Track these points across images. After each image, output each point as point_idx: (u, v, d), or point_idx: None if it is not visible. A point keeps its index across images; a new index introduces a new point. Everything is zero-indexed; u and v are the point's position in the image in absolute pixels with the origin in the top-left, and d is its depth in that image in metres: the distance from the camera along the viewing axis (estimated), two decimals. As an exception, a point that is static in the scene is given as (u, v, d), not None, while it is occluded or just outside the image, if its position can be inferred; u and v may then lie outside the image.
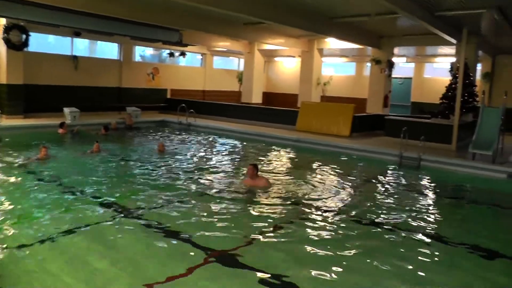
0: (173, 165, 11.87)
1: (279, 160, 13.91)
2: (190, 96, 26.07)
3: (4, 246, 5.94)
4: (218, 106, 22.92)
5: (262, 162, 12.91)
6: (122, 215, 7.47)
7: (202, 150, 14.70)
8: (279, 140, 16.77)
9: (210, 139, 17.27)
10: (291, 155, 14.92)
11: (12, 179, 9.51)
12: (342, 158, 14.40)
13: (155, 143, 14.94)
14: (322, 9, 15.48)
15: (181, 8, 16.29)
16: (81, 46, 22.09)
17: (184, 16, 17.10)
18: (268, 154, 14.77)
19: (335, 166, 12.97)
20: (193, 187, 9.67)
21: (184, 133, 18.40)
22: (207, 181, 10.25)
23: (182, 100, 22.52)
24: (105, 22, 17.47)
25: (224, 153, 14.54)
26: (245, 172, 10.69)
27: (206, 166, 12.13)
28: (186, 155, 13.60)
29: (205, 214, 7.69)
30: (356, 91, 29.87)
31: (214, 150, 15.06)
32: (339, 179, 11.38)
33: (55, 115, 18.20)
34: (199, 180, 10.35)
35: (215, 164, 12.56)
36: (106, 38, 21.55)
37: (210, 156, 13.73)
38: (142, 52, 25.98)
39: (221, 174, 11.20)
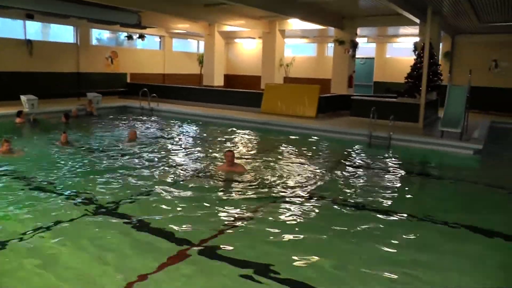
0: (145, 154, 11.24)
1: (249, 144, 13.63)
2: (150, 80, 25.33)
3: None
4: (180, 90, 22.42)
5: (231, 147, 12.62)
6: (95, 209, 7.04)
7: (170, 137, 14.17)
8: (246, 123, 16.50)
9: (176, 124, 16.83)
10: (259, 139, 14.63)
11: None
12: (312, 140, 14.20)
13: (123, 130, 14.55)
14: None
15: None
16: (32, 30, 20.86)
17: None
18: (236, 138, 14.46)
19: (306, 148, 12.82)
20: (168, 176, 9.26)
21: (146, 118, 17.90)
22: (181, 169, 9.82)
23: (143, 85, 21.85)
24: (60, 4, 16.69)
25: (192, 139, 14.17)
26: (216, 157, 10.43)
27: (177, 153, 11.68)
28: (155, 142, 13.02)
29: (180, 204, 7.38)
30: (319, 72, 29.77)
31: (182, 136, 14.58)
32: (310, 161, 11.22)
33: (10, 104, 17.37)
34: (172, 168, 9.95)
35: (185, 150, 12.12)
36: (61, 21, 20.59)
37: (179, 143, 13.24)
38: (99, 35, 25.09)
39: (194, 161, 10.78)
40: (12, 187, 8.09)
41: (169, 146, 12.58)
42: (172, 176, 9.28)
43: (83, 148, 11.81)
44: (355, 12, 19.69)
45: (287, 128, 15.63)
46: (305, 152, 12.33)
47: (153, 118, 17.99)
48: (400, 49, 29.53)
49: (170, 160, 10.77)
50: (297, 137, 14.62)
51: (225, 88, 23.62)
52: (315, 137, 14.51)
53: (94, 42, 23.97)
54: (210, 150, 12.15)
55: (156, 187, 8.32)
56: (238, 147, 12.77)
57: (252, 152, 12.11)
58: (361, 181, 9.49)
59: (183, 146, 12.79)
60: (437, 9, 16.01)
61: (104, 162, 10.31)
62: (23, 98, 17.13)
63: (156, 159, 10.79)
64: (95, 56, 23.16)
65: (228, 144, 13.28)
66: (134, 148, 11.86)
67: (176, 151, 11.96)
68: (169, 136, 14.32)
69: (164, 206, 7.25)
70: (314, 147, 13.30)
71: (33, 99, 17.13)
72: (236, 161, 9.77)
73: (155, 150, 11.81)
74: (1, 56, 18.95)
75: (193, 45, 31.66)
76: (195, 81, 28.61)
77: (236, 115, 17.47)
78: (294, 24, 22.73)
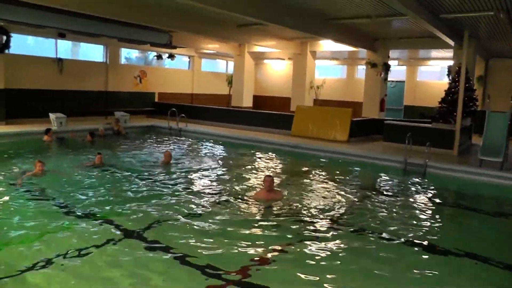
0: (178, 177, 10.92)
1: (279, 168, 13.23)
2: (178, 100, 25.32)
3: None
4: (209, 110, 22.20)
5: (263, 171, 12.28)
6: (124, 235, 6.75)
7: (200, 159, 13.75)
8: (276, 146, 16.13)
9: (205, 145, 16.53)
10: (290, 162, 14.25)
11: (1, 197, 8.54)
12: (344, 165, 13.79)
13: (154, 151, 14.34)
14: (319, 10, 14.87)
15: (172, 8, 15.65)
16: (62, 49, 20.98)
17: (175, 17, 16.29)
18: (267, 161, 14.10)
19: (339, 174, 12.46)
20: (203, 201, 8.87)
21: (175, 139, 17.66)
22: (216, 195, 9.41)
23: (171, 104, 21.80)
24: (92, 23, 16.58)
25: (223, 162, 13.63)
26: (252, 184, 10.13)
27: (210, 177, 11.31)
28: (187, 164, 12.62)
29: (216, 233, 7.03)
30: (348, 94, 29.55)
31: (213, 158, 14.04)
32: (344, 187, 10.81)
33: (39, 121, 17.40)
34: (207, 193, 9.53)
35: (219, 174, 11.73)
36: (92, 39, 20.66)
37: (212, 166, 12.76)
38: (128, 54, 25.16)
39: (230, 186, 10.33)
40: (41, 208, 7.85)
41: (201, 169, 12.14)
42: (207, 201, 8.90)
43: (117, 170, 11.38)
44: (388, 34, 19.34)
45: (318, 152, 15.18)
46: (338, 178, 11.95)
47: (181, 139, 17.74)
48: (430, 72, 29.19)
49: (204, 184, 10.42)
50: (329, 161, 14.26)
51: (254, 110, 23.30)
52: (348, 162, 14.10)
53: (123, 61, 23.98)
54: (245, 175, 11.74)
55: (193, 214, 8.00)
56: (270, 171, 12.39)
57: (283, 177, 11.72)
58: (400, 211, 9.05)
59: (215, 169, 12.33)
60: (474, 33, 15.63)
61: (140, 185, 9.92)
62: (52, 116, 17.08)
63: (190, 182, 10.49)
64: (123, 75, 23.18)
65: (260, 167, 12.96)
66: (169, 171, 11.50)
67: (209, 175, 11.55)
68: (200, 158, 13.93)
69: (196, 234, 6.89)
70: (347, 173, 12.89)
71: (62, 117, 17.07)
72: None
73: (188, 173, 11.42)
74: (32, 73, 19.07)
75: (221, 65, 31.63)
76: (224, 101, 28.47)
77: (266, 137, 17.13)
78: (326, 45, 22.47)
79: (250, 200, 8.93)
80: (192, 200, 8.89)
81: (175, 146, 16.03)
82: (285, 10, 14.40)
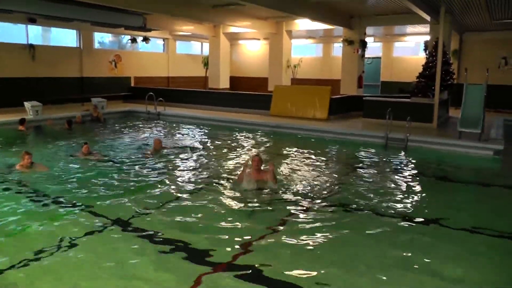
0: (168, 164, 10.62)
1: (262, 148, 13.15)
2: (154, 84, 25.07)
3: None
4: (186, 93, 22.01)
5: (247, 152, 12.23)
6: (112, 224, 6.65)
7: (186, 143, 13.55)
8: (257, 126, 16.11)
9: (185, 129, 16.38)
10: (273, 142, 14.15)
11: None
12: (326, 143, 13.85)
13: (141, 138, 14.21)
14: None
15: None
16: (31, 34, 20.35)
17: (146, -1, 16.05)
18: (249, 142, 14.04)
19: (321, 152, 12.48)
20: (192, 188, 8.73)
21: (155, 123, 17.50)
22: (205, 180, 9.27)
23: (147, 88, 21.59)
24: (64, 6, 16.27)
25: (210, 145, 13.41)
26: (240, 165, 10.09)
27: (200, 162, 11.09)
28: (175, 150, 12.16)
29: (205, 219, 6.96)
30: (325, 72, 29.58)
31: (200, 142, 13.85)
32: (328, 165, 10.99)
33: (14, 110, 17.03)
34: (199, 179, 9.33)
35: (207, 158, 11.59)
36: (64, 24, 20.18)
37: (199, 150, 12.57)
38: (101, 38, 24.70)
39: (218, 169, 10.23)
40: (29, 201, 7.65)
41: (188, 154, 11.88)
42: (197, 186, 8.79)
43: (107, 160, 10.93)
44: (364, 11, 19.32)
45: (299, 131, 15.23)
46: (321, 156, 11.97)
47: (160, 123, 17.61)
48: (405, 48, 29.25)
49: (193, 169, 10.27)
50: (310, 140, 14.31)
51: (232, 91, 23.12)
52: (329, 140, 14.18)
53: (96, 45, 23.52)
54: (232, 157, 11.67)
55: (181, 198, 7.97)
56: (254, 152, 12.34)
57: (267, 157, 11.68)
58: (384, 185, 9.10)
59: (202, 153, 12.13)
60: (449, 8, 15.67)
61: (129, 174, 9.60)
62: (27, 104, 16.68)
63: (178, 168, 10.31)
64: (98, 60, 22.78)
65: (244, 148, 12.92)
66: (159, 158, 11.20)
67: (197, 159, 11.38)
68: (184, 142, 13.74)
69: (186, 221, 6.82)
70: (330, 151, 13.03)
71: (38, 105, 16.68)
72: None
73: (177, 159, 11.17)
74: (4, 61, 18.58)
75: (197, 47, 31.29)
76: (200, 83, 28.27)
77: (246, 118, 17.08)
78: (301, 24, 22.37)
79: (238, 180, 8.80)
80: (182, 186, 8.76)
81: (155, 131, 15.88)
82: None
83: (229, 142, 13.95)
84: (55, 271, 5.18)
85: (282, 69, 23.64)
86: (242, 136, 14.95)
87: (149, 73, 26.05)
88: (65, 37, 22.33)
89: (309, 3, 16.28)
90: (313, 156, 11.79)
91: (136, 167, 10.17)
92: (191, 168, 10.39)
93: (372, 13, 19.68)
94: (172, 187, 8.69)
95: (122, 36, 25.23)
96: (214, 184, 8.85)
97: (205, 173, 9.87)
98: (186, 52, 30.06)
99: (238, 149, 12.82)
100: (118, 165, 10.44)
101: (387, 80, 28.16)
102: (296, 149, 12.77)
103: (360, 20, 20.55)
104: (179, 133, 15.52)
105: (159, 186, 8.72)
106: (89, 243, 5.98)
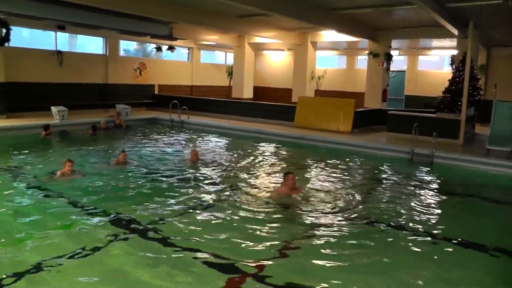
0: (202, 175, 10.51)
1: (287, 160, 13.12)
2: (177, 92, 25.16)
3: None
4: (210, 102, 22.07)
5: (275, 165, 12.20)
6: (145, 234, 6.65)
7: (213, 153, 13.48)
8: (281, 137, 16.05)
9: (210, 138, 16.35)
10: (297, 154, 14.10)
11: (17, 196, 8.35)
12: (350, 156, 13.65)
13: (180, 148, 14.14)
14: (323, 0, 14.75)
15: (173, 0, 15.50)
16: (59, 41, 20.61)
17: (176, 8, 16.06)
18: (274, 153, 14.04)
19: (345, 165, 12.44)
20: (223, 197, 8.71)
21: (176, 131, 17.57)
22: (234, 191, 9.22)
23: (171, 96, 21.72)
24: (92, 15, 16.50)
25: (235, 155, 13.38)
26: (269, 178, 10.17)
27: (226, 172, 11.02)
28: (207, 161, 12.06)
29: (234, 228, 6.99)
30: (349, 85, 29.48)
31: (224, 152, 13.95)
32: (352, 179, 10.85)
33: (41, 115, 17.23)
34: (228, 190, 9.30)
35: (234, 168, 11.50)
36: (92, 32, 20.44)
37: (224, 159, 12.61)
38: (126, 46, 24.91)
39: (246, 180, 10.19)
40: (61, 209, 7.62)
41: (215, 164, 11.76)
42: (226, 196, 8.79)
43: (143, 170, 10.72)
44: (389, 23, 19.11)
45: (323, 143, 15.13)
46: (345, 169, 11.91)
47: (184, 131, 17.67)
48: (430, 61, 29.00)
49: (221, 179, 10.23)
50: (334, 152, 14.17)
51: (256, 101, 23.03)
52: (354, 153, 14.01)
53: (121, 53, 23.73)
54: (259, 168, 11.63)
55: (209, 207, 8.00)
56: (276, 164, 12.32)
57: (290, 169, 11.57)
58: (410, 201, 8.97)
59: (228, 164, 12.01)
60: (477, 21, 15.51)
61: (164, 184, 9.57)
62: (53, 109, 16.88)
63: (209, 178, 10.22)
64: (123, 67, 22.99)
65: (271, 160, 12.91)
66: (196, 169, 10.99)
67: (224, 169, 11.28)
68: (211, 152, 13.59)
69: (215, 230, 6.82)
70: (354, 164, 12.87)
71: (64, 110, 16.86)
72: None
73: (208, 169, 11.06)
74: (33, 66, 18.90)
75: (221, 56, 31.40)
76: (223, 93, 28.32)
77: (270, 129, 17.04)
78: (326, 36, 22.28)
79: (270, 196, 8.72)
80: (210, 196, 8.72)
81: (182, 140, 15.88)
82: (288, 0, 14.23)
83: (254, 152, 13.86)
84: (75, 275, 5.23)
85: (306, 80, 23.53)
86: (266, 147, 14.90)
87: (173, 82, 26.20)
88: (91, 44, 22.61)
89: (335, 15, 16.19)
90: (337, 169, 11.68)
91: (169, 177, 10.14)
92: (220, 178, 10.29)
93: (398, 26, 19.47)
94: (201, 197, 8.66)
95: (147, 44, 25.40)
96: (243, 196, 8.80)
97: (234, 184, 9.78)
98: (210, 62, 30.17)
99: (264, 160, 12.74)
100: (153, 174, 10.34)
101: (411, 94, 27.90)
102: (319, 161, 12.68)
103: (386, 32, 20.37)
104: (206, 143, 15.45)
105: (188, 195, 8.71)
106: (116, 249, 5.99)
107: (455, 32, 16.43)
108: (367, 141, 14.92)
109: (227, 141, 16.05)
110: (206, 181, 9.92)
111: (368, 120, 18.01)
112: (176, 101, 18.87)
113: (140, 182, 9.57)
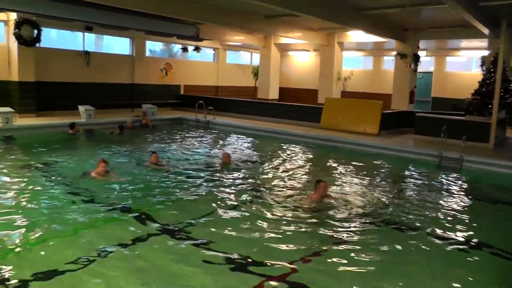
0: (229, 176, 10.39)
1: (315, 162, 13.01)
2: (203, 92, 25.21)
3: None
4: (235, 102, 22.02)
5: (303, 167, 12.08)
6: (174, 235, 6.60)
7: (243, 155, 13.36)
8: (308, 139, 15.85)
9: (236, 139, 16.37)
10: (324, 156, 13.97)
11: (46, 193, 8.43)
12: (378, 159, 13.48)
13: (210, 149, 14.10)
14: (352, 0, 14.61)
15: (200, 0, 15.47)
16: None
17: (202, 9, 16.05)
18: (302, 155, 13.87)
19: (373, 168, 12.31)
20: (254, 201, 8.58)
21: (202, 132, 17.56)
22: (265, 194, 9.07)
23: (196, 97, 21.79)
24: (120, 16, 16.59)
25: (265, 157, 13.22)
26: (298, 181, 10.07)
27: (257, 174, 10.91)
28: (238, 163, 11.93)
29: (263, 231, 6.89)
30: (375, 86, 29.17)
31: (253, 153, 13.82)
32: (380, 183, 10.66)
33: (69, 114, 17.40)
34: (260, 193, 9.14)
35: (264, 171, 11.41)
36: (119, 32, 20.62)
37: (254, 161, 12.53)
38: (152, 47, 25.03)
39: (276, 182, 10.10)
40: (88, 209, 7.58)
41: (246, 166, 11.65)
42: (255, 198, 8.71)
43: (176, 171, 10.64)
44: (418, 24, 18.87)
45: (350, 145, 14.94)
46: (373, 172, 11.75)
47: (210, 131, 17.70)
48: (457, 63, 28.57)
49: (251, 181, 10.12)
50: (361, 155, 13.98)
51: (282, 102, 22.85)
52: (381, 156, 13.80)
53: (147, 54, 23.85)
54: (288, 171, 11.43)
55: (240, 211, 7.88)
56: (305, 166, 12.23)
57: (319, 171, 11.54)
58: (439, 206, 8.78)
59: (258, 166, 11.95)
60: (509, 21, 15.15)
61: (197, 185, 9.48)
62: (81, 108, 17.05)
63: (239, 180, 10.17)
64: (149, 67, 23.13)
65: (298, 161, 12.81)
66: (228, 172, 10.83)
67: (254, 172, 11.16)
68: (241, 154, 13.47)
69: (244, 233, 6.78)
70: (382, 167, 12.70)
71: (91, 109, 17.03)
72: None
73: (237, 172, 10.94)
74: (61, 66, 19.17)
75: (246, 57, 31.37)
76: (249, 93, 28.28)
77: (296, 130, 16.89)
78: (353, 36, 22.08)
79: (301, 201, 8.59)
80: (239, 199, 8.65)
81: (209, 140, 15.94)
82: (317, 1, 14.11)
83: (282, 154, 13.73)
84: (105, 275, 5.23)
85: (332, 81, 23.33)
86: (293, 148, 14.72)
87: (199, 82, 26.28)
88: (116, 44, 22.84)
89: (363, 15, 16.00)
90: (364, 172, 11.52)
91: (201, 178, 10.04)
92: (250, 180, 10.20)
93: (427, 26, 19.22)
94: (231, 198, 8.63)
95: (173, 44, 25.49)
96: (273, 199, 8.70)
97: (264, 186, 9.71)
98: (236, 62, 30.18)
99: (292, 162, 12.59)
100: (185, 176, 10.25)
101: (439, 96, 27.53)
102: (347, 163, 12.53)
103: (414, 33, 20.08)
104: (232, 144, 15.43)
105: (219, 197, 8.67)
106: (144, 249, 5.99)
107: (486, 32, 16.14)
108: (394, 143, 14.69)
109: (253, 142, 15.99)
110: (237, 183, 9.85)
111: (395, 122, 17.76)
112: (202, 101, 18.87)
113: (172, 184, 9.54)
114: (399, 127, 17.67)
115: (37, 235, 6.28)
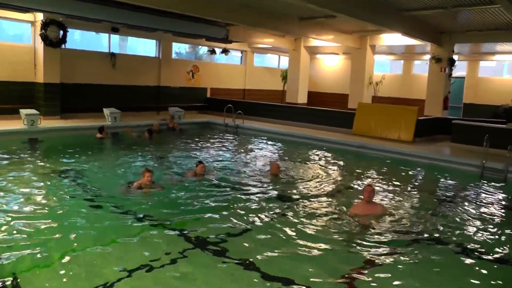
0: (281, 189, 9.68)
1: (350, 170, 12.34)
2: (230, 96, 24.81)
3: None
4: (263, 106, 21.44)
5: (342, 175, 11.54)
6: (212, 248, 6.19)
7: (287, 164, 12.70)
8: (341, 145, 15.34)
9: (268, 144, 15.88)
10: (360, 164, 13.23)
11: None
12: (415, 168, 12.90)
13: (255, 158, 13.26)
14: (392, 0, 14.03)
15: (233, 1, 15.05)
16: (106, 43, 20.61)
17: (235, 10, 15.61)
18: (340, 163, 13.28)
19: (411, 178, 11.92)
20: (297, 214, 8.00)
21: (231, 136, 17.13)
22: (310, 206, 8.51)
23: (223, 100, 21.46)
24: (149, 17, 16.24)
25: (301, 165, 12.63)
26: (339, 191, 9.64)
27: (298, 184, 10.27)
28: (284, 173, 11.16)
29: (306, 247, 6.40)
30: (405, 91, 28.48)
31: (287, 159, 13.26)
32: (420, 194, 10.17)
33: (93, 116, 17.20)
34: (305, 206, 8.53)
35: (304, 180, 10.74)
36: (145, 34, 20.28)
37: (296, 170, 11.84)
38: (178, 49, 24.67)
39: (317, 194, 9.51)
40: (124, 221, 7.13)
41: (291, 176, 10.97)
42: (303, 214, 8.06)
43: (221, 182, 9.84)
44: (454, 26, 18.14)
45: (385, 153, 14.31)
46: (411, 183, 11.33)
47: (239, 136, 17.26)
48: (488, 67, 27.80)
49: (294, 192, 9.55)
50: (397, 163, 13.39)
51: (312, 107, 22.16)
52: (418, 165, 13.19)
53: (173, 56, 23.48)
54: (330, 181, 10.79)
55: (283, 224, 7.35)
56: (341, 174, 11.68)
57: (355, 180, 10.99)
58: (484, 222, 8.16)
59: (299, 175, 11.26)
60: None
61: (251, 199, 8.74)
62: (106, 111, 16.75)
63: (283, 191, 9.55)
64: (176, 70, 22.73)
65: (338, 170, 12.22)
66: (277, 183, 10.13)
67: (299, 182, 10.56)
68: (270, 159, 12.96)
69: (285, 246, 6.38)
70: (420, 178, 12.30)
71: (116, 112, 16.72)
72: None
73: (285, 182, 10.35)
74: (86, 68, 18.85)
75: (274, 60, 30.86)
76: (276, 97, 27.80)
77: (330, 136, 16.29)
78: (386, 39, 21.45)
79: (346, 213, 8.02)
80: (286, 210, 8.15)
81: (248, 147, 15.26)
82: (358, 1, 13.60)
83: (318, 161, 13.18)
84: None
85: (363, 85, 22.70)
86: (328, 155, 14.17)
87: (226, 85, 25.83)
88: (140, 46, 22.57)
89: (403, 16, 15.39)
90: (403, 182, 10.99)
91: (250, 191, 9.30)
92: (292, 190, 9.66)
93: (463, 29, 18.48)
94: (276, 209, 8.20)
95: (199, 47, 25.10)
96: (315, 209, 8.26)
97: (305, 196, 9.22)
98: (263, 65, 29.70)
99: (329, 170, 11.97)
100: (232, 187, 9.51)
101: (471, 102, 26.77)
102: (384, 172, 12.03)
103: (450, 36, 19.38)
104: (264, 150, 14.90)
105: (267, 208, 8.20)
106: (183, 263, 5.68)
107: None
108: (431, 152, 14.04)
109: (285, 148, 15.42)
110: (283, 194, 9.27)
111: (430, 129, 17.07)
112: (230, 105, 18.42)
113: (219, 196, 8.79)
114: (434, 134, 17.00)
115: (65, 248, 5.89)
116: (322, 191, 9.84)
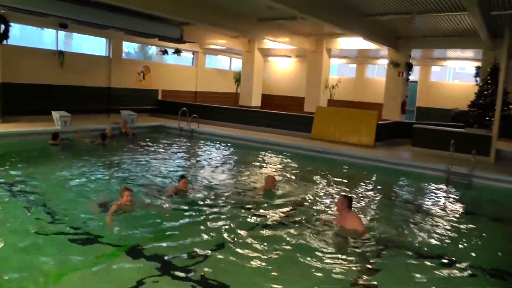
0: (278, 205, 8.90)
1: (313, 177, 11.64)
2: (181, 98, 23.99)
3: None
4: (219, 110, 20.78)
5: (306, 183, 10.90)
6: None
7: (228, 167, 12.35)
8: (303, 151, 14.91)
9: (223, 149, 15.36)
10: (323, 170, 12.46)
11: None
12: (378, 173, 12.75)
13: (246, 171, 12.18)
14: (357, 4, 13.81)
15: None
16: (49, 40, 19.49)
17: (192, 8, 14.86)
18: (296, 168, 12.81)
19: (376, 184, 11.63)
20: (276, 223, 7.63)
21: (185, 140, 16.44)
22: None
23: (175, 103, 20.86)
24: (99, 12, 15.36)
25: (261, 172, 12.00)
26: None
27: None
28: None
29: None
30: (359, 94, 28.54)
31: (251, 167, 12.61)
32: (387, 201, 10.06)
33: (39, 119, 16.05)
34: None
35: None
36: (96, 31, 19.22)
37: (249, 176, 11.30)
38: (127, 48, 23.72)
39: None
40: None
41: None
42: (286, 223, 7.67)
43: (206, 200, 8.81)
44: (411, 32, 18.17)
45: (347, 158, 14.02)
46: (377, 189, 11.05)
47: (194, 141, 16.52)
48: (438, 72, 28.41)
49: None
50: (360, 168, 13.21)
51: (270, 110, 21.58)
52: (381, 170, 13.03)
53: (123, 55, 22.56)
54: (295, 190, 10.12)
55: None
56: (305, 182, 11.06)
57: (319, 188, 10.56)
58: (459, 230, 8.01)
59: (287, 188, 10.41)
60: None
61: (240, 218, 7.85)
62: (55, 114, 15.49)
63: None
64: (127, 70, 21.79)
65: (297, 176, 11.71)
66: (272, 198, 9.26)
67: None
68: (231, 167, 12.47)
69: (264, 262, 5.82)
70: (386, 184, 11.89)
71: (66, 116, 15.46)
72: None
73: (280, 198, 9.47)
74: (32, 67, 17.64)
75: (225, 62, 30.27)
76: (229, 100, 27.25)
77: (290, 141, 15.78)
78: (342, 43, 21.28)
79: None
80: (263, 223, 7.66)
81: (228, 158, 14.30)
82: (323, 4, 13.21)
83: (284, 168, 12.69)
84: None
85: (320, 89, 22.45)
86: (290, 161, 13.71)
87: (177, 87, 25.02)
88: (86, 44, 21.58)
89: (363, 21, 15.21)
90: (369, 188, 10.88)
91: (239, 207, 8.47)
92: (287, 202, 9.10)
93: (420, 34, 18.53)
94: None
95: (149, 46, 24.23)
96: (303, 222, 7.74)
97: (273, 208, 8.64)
98: (215, 67, 29.07)
99: (293, 177, 11.51)
100: (215, 204, 8.54)
101: (424, 106, 27.19)
102: (349, 179, 11.65)
103: (407, 41, 19.43)
104: (222, 156, 14.26)
105: (259, 226, 7.52)
106: None
107: (485, 41, 15.61)
108: (394, 157, 13.87)
109: (245, 154, 14.74)
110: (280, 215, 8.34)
111: (390, 133, 16.98)
112: (185, 109, 17.68)
113: (203, 216, 7.78)
114: (393, 138, 16.94)
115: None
116: (287, 200, 9.30)
